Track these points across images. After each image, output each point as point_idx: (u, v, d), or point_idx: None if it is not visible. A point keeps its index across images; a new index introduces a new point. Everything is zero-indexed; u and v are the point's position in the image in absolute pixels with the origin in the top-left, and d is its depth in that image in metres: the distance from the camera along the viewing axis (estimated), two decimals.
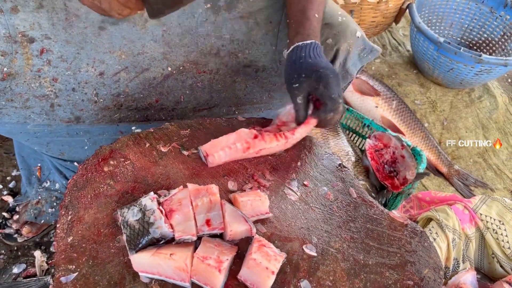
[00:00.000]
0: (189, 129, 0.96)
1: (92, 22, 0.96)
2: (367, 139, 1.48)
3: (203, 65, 1.09)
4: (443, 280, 0.98)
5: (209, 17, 1.04)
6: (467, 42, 2.34)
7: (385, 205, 1.41)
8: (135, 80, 1.04)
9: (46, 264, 1.23)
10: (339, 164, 0.97)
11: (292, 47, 0.93)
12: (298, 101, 0.89)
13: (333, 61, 1.07)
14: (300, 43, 0.92)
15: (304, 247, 0.77)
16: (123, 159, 0.86)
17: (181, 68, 1.07)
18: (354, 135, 1.68)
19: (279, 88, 1.17)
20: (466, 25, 2.31)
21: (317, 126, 0.93)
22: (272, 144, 0.90)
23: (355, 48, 1.05)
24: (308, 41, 0.92)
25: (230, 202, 0.79)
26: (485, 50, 2.27)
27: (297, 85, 0.88)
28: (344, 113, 1.66)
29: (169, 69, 1.06)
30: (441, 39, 1.86)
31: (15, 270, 1.24)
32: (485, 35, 2.26)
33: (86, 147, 1.10)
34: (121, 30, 0.98)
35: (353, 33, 1.04)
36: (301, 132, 0.94)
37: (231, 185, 0.86)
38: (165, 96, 1.09)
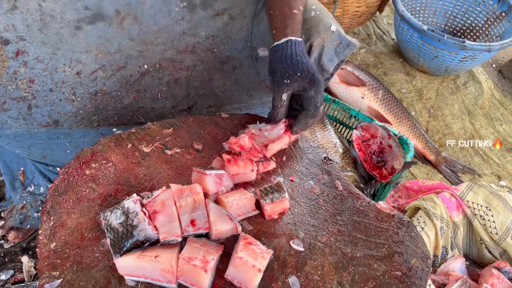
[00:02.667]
0: (171, 128, 0.95)
1: (68, 22, 0.94)
2: (354, 130, 1.48)
3: (179, 62, 1.08)
4: (431, 268, 0.98)
5: (185, 16, 1.03)
6: (451, 29, 2.34)
7: (373, 196, 1.41)
8: (112, 78, 1.02)
9: (34, 270, 1.21)
10: (325, 157, 0.96)
11: (286, 39, 0.90)
12: (283, 97, 0.88)
13: None
14: (293, 38, 0.90)
15: (291, 242, 0.77)
16: (105, 162, 0.85)
17: (157, 65, 1.06)
18: (341, 126, 1.68)
19: (257, 86, 1.15)
20: (450, 12, 2.31)
21: (290, 129, 0.93)
22: (246, 170, 0.85)
23: (330, 43, 1.03)
24: (300, 39, 0.91)
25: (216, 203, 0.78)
26: (469, 37, 2.28)
27: (288, 81, 0.87)
28: (329, 106, 1.66)
29: (146, 66, 1.04)
30: (425, 27, 1.86)
31: (3, 276, 1.22)
32: (469, 21, 2.26)
33: (68, 151, 1.08)
34: (97, 30, 0.96)
35: (327, 27, 1.01)
36: (276, 148, 0.93)
37: None
38: (142, 94, 1.08)
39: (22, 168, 1.26)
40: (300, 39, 0.91)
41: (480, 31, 2.22)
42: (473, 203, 1.17)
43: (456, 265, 1.13)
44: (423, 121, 1.97)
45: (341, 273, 0.74)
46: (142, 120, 1.12)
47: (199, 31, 1.03)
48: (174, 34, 1.04)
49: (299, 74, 0.87)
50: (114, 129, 1.03)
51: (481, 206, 1.16)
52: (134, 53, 1.02)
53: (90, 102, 1.03)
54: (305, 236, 0.79)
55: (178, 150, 0.90)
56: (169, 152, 0.90)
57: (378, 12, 2.27)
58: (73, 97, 1.00)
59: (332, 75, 1.12)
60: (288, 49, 0.89)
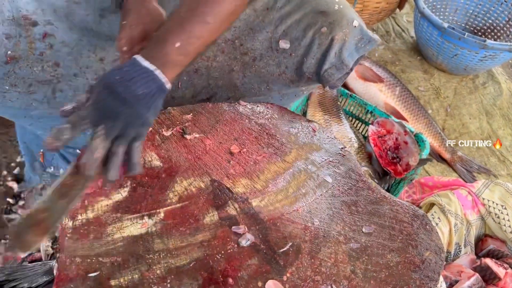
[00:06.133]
0: (191, 113, 0.96)
1: (93, 10, 0.96)
2: (370, 126, 1.48)
3: None
4: (444, 262, 0.98)
5: None
6: (472, 28, 2.31)
7: (387, 191, 1.41)
8: None
9: (51, 249, 1.24)
10: (341, 148, 0.97)
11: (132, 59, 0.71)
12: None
13: (327, 51, 1.03)
14: (139, 58, 0.70)
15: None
16: None
17: None
18: (357, 121, 1.68)
19: (277, 78, 1.15)
20: (471, 11, 2.28)
21: None
22: None
23: (352, 38, 1.02)
24: (152, 68, 0.70)
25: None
26: (489, 36, 2.25)
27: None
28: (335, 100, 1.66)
29: None
30: (445, 25, 1.84)
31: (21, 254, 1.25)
32: (490, 21, 2.23)
33: (88, 133, 1.10)
34: (119, 19, 0.97)
35: (349, 22, 1.01)
36: None
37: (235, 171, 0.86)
38: None
39: (42, 150, 1.28)
40: (152, 68, 0.70)
41: (502, 31, 2.19)
42: (488, 200, 1.17)
43: (469, 262, 1.13)
44: (440, 119, 1.95)
45: (355, 262, 0.75)
46: (162, 108, 1.13)
47: None
48: None
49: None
50: None
51: (497, 204, 1.16)
52: None
53: None
54: (320, 224, 0.80)
55: (197, 135, 0.92)
56: (188, 137, 0.91)
57: (398, 9, 2.25)
58: None
59: (351, 69, 1.12)
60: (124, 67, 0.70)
